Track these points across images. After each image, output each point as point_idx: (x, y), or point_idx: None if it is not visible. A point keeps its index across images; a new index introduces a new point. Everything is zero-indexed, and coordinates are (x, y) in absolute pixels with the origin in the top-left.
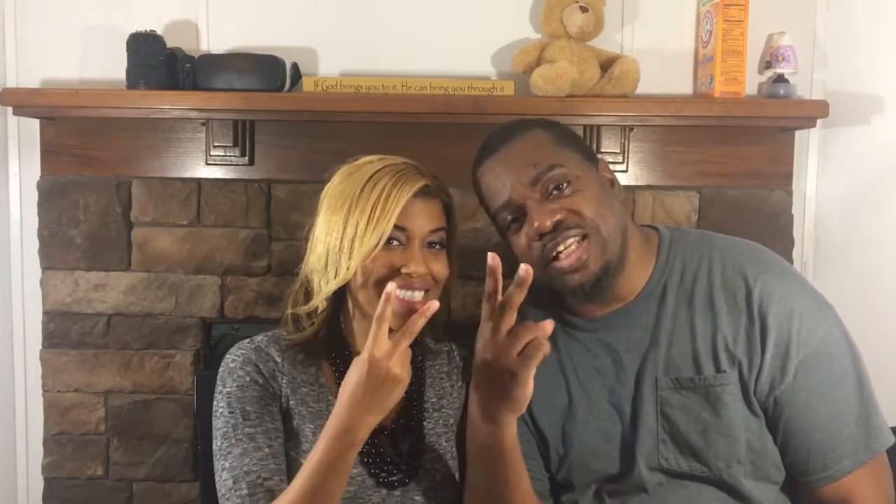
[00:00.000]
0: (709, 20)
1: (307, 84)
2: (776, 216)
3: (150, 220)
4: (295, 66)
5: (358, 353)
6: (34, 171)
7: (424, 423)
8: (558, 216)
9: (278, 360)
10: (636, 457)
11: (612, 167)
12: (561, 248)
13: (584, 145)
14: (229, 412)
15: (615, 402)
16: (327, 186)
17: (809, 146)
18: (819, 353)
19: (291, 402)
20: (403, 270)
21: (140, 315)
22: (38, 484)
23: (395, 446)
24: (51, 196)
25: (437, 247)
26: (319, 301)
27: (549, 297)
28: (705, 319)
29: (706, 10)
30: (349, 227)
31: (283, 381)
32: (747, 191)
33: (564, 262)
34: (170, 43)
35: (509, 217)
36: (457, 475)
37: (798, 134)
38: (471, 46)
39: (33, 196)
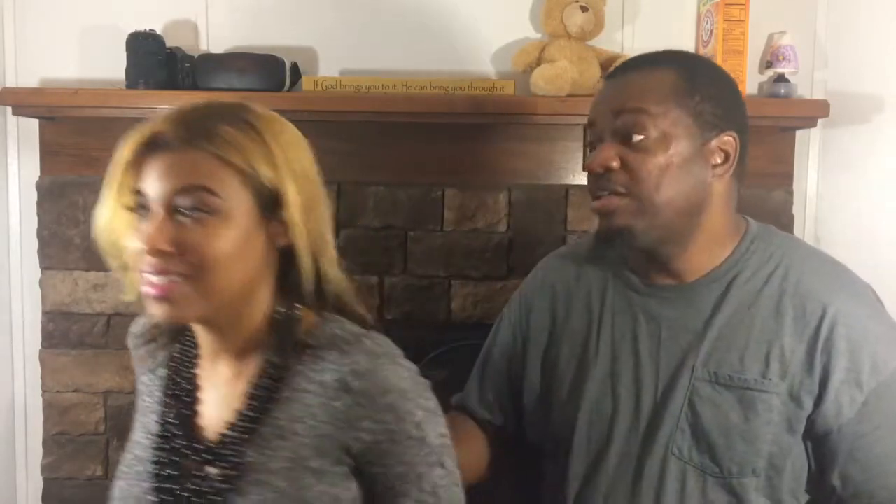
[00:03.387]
0: (709, 20)
1: (307, 84)
2: (777, 216)
3: None
4: (295, 66)
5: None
6: (33, 171)
7: (250, 446)
8: (612, 163)
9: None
10: (644, 438)
11: None
12: (599, 193)
13: (720, 108)
14: None
15: (637, 373)
16: None
17: (810, 146)
18: (893, 381)
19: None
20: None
21: (140, 315)
22: (38, 484)
23: (204, 470)
24: (50, 196)
25: (194, 214)
26: None
27: (619, 252)
28: (766, 323)
29: (707, 9)
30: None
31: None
32: (748, 190)
33: (596, 203)
34: (169, 42)
35: (590, 140)
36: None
37: (799, 134)
38: (471, 46)
39: (32, 196)
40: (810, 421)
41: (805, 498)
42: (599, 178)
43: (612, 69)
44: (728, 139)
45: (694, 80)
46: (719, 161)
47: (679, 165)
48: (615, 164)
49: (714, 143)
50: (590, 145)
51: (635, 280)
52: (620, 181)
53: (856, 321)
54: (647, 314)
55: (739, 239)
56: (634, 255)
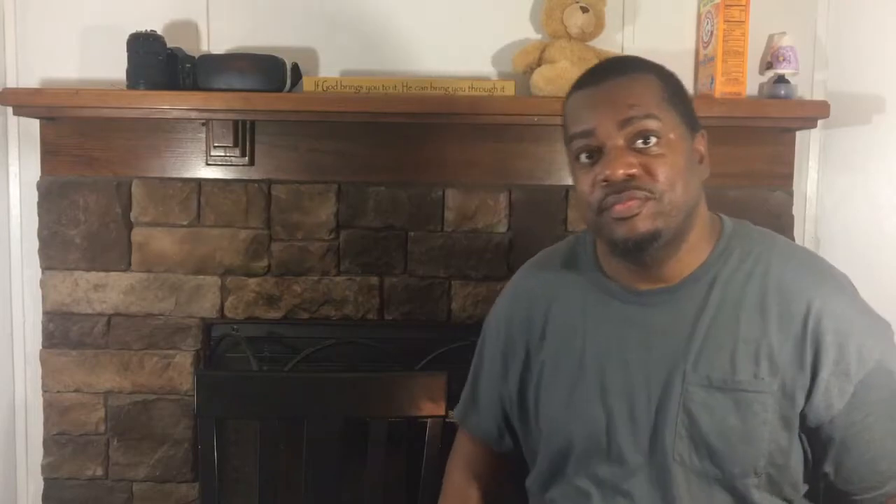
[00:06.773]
0: (709, 20)
1: (307, 84)
2: (777, 217)
3: (149, 220)
4: (295, 66)
5: None
6: (34, 172)
7: None
8: (633, 170)
9: None
10: (647, 448)
11: None
12: (615, 200)
13: (690, 110)
14: None
15: (628, 383)
16: None
17: (810, 147)
18: (880, 370)
19: None
20: None
21: (140, 315)
22: (38, 484)
23: None
24: (50, 196)
25: None
26: None
27: (592, 260)
28: (752, 322)
29: (707, 10)
30: None
31: None
32: (748, 191)
33: (617, 208)
34: (170, 43)
35: (584, 151)
36: None
37: (799, 134)
38: (471, 46)
39: (33, 196)
40: (802, 415)
41: (805, 488)
42: (615, 185)
43: (585, 77)
44: (701, 138)
45: (673, 85)
46: (698, 160)
47: (685, 166)
48: (635, 170)
49: (694, 142)
50: (586, 155)
51: (615, 287)
52: (643, 185)
53: (841, 313)
54: (633, 322)
55: (717, 237)
56: (616, 260)
